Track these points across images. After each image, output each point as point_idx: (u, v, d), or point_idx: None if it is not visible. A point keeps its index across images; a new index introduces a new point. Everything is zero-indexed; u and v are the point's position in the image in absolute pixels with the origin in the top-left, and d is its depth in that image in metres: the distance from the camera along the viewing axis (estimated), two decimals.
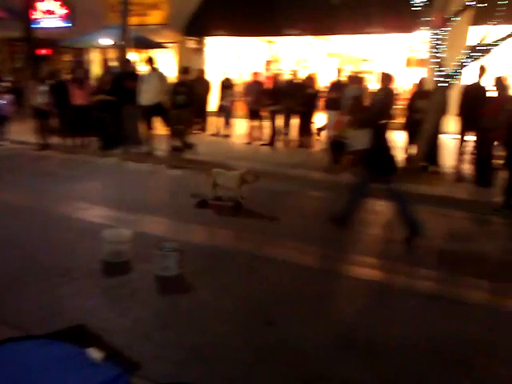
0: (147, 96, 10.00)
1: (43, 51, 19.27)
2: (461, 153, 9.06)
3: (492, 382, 3.29)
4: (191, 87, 10.58)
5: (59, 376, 1.77)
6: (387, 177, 5.89)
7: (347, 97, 9.81)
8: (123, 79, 10.66)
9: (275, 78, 12.81)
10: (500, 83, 8.58)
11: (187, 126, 10.44)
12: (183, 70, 10.81)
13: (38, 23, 19.24)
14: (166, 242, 4.77)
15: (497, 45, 8.34)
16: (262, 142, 12.23)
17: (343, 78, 11.56)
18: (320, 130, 12.36)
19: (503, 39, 8.30)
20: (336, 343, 3.63)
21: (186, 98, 10.11)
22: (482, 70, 8.60)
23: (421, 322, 4.00)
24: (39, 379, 1.74)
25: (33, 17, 18.03)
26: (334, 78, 12.05)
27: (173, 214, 6.72)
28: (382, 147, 5.92)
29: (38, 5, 19.53)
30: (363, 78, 11.05)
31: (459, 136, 9.08)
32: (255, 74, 12.61)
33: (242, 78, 17.21)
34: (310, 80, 12.24)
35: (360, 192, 6.17)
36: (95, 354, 1.91)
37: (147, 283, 4.48)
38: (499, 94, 8.38)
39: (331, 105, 11.04)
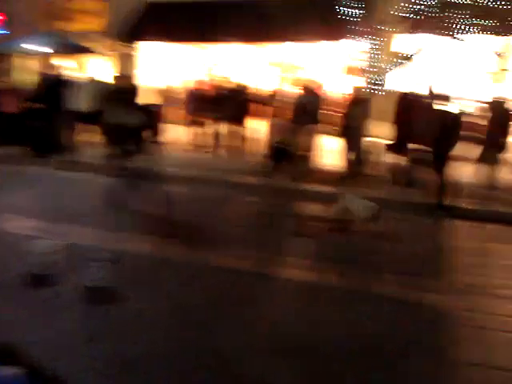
0: (82, 103, 9.75)
1: None
2: (394, 157, 9.37)
3: (414, 375, 3.39)
4: (127, 94, 10.36)
5: None
6: None
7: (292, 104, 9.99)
8: (57, 86, 10.34)
9: (215, 85, 12.77)
10: (430, 91, 8.97)
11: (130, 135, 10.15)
12: (117, 77, 10.57)
13: None
14: (96, 251, 4.67)
15: (419, 53, 8.73)
16: (203, 150, 12.18)
17: (282, 85, 11.72)
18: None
19: (431, 47, 8.69)
20: (265, 346, 3.65)
21: (126, 107, 9.86)
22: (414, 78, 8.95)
23: (348, 321, 4.08)
24: None
25: None
26: (273, 85, 12.20)
27: (104, 223, 6.54)
28: None
29: None
30: (309, 86, 11.26)
31: (394, 141, 9.39)
32: (196, 81, 12.56)
33: (180, 85, 17.13)
34: (250, 87, 12.34)
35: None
36: (7, 370, 1.82)
37: (77, 295, 4.35)
38: (429, 101, 8.76)
39: (273, 112, 11.15)
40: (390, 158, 9.39)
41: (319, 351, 3.60)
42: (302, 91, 10.75)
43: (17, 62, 18.70)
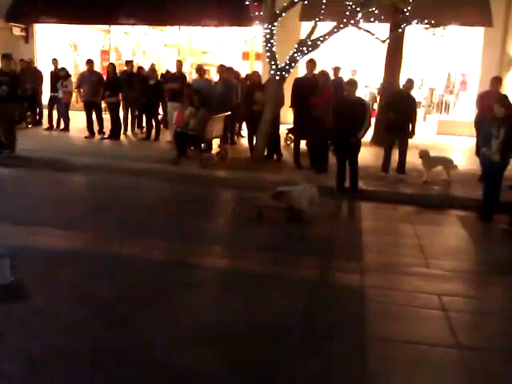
0: None
1: None
2: (294, 142, 9.63)
3: (337, 353, 3.54)
4: (15, 77, 9.64)
5: None
6: None
7: (191, 88, 9.89)
8: None
9: (112, 68, 12.26)
10: (326, 75, 9.30)
11: (13, 121, 9.47)
12: (4, 58, 9.76)
13: None
14: None
15: (325, 40, 9.00)
16: (103, 136, 11.71)
17: (183, 69, 11.56)
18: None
19: (329, 34, 8.98)
20: (188, 336, 3.61)
21: (9, 90, 9.17)
22: (312, 63, 9.19)
23: (269, 306, 4.13)
24: None
25: None
26: (173, 69, 12.00)
27: (4, 216, 6.11)
28: None
29: None
30: (206, 70, 11.21)
31: (294, 125, 9.65)
32: (90, 63, 11.96)
33: (77, 68, 16.32)
34: (152, 71, 12.03)
35: None
36: None
37: None
38: (328, 85, 9.08)
39: (173, 96, 10.99)
40: (296, 143, 9.55)
41: (243, 337, 3.64)
42: (197, 75, 10.74)
43: None
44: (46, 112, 13.07)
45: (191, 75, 14.28)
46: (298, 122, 9.32)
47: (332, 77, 10.49)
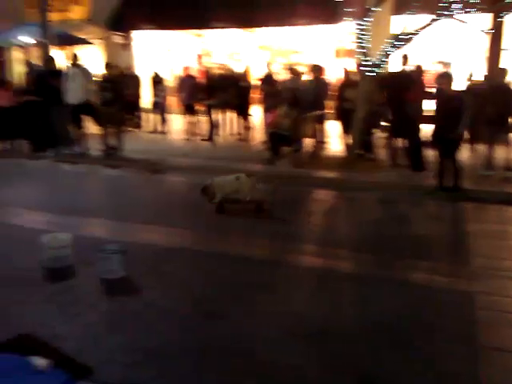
0: (74, 94, 9.67)
1: None
2: (391, 140, 9.41)
3: (440, 358, 3.49)
4: (117, 83, 10.30)
5: None
6: None
7: (284, 89, 10.01)
8: (47, 78, 10.23)
9: (207, 71, 12.75)
10: (421, 71, 9.02)
11: (116, 124, 10.14)
12: (106, 66, 10.49)
13: None
14: (107, 243, 4.68)
15: (418, 33, 8.73)
16: (200, 138, 12.17)
17: (275, 70, 11.71)
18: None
19: (423, 28, 8.70)
20: (284, 332, 3.71)
21: (112, 95, 9.83)
22: (405, 58, 8.95)
23: (365, 305, 4.16)
24: None
25: None
26: (265, 70, 12.19)
27: (112, 214, 6.59)
28: None
29: None
30: (298, 70, 11.26)
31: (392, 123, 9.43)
32: (187, 68, 12.50)
33: (173, 72, 17.01)
34: (244, 73, 12.32)
35: None
36: (40, 361, 1.87)
37: (92, 287, 4.40)
38: (421, 81, 8.80)
39: (265, 97, 11.17)
40: (395, 141, 9.32)
41: (340, 334, 3.68)
42: (291, 75, 10.79)
43: (10, 54, 18.50)
44: (146, 116, 13.81)
45: (282, 75, 14.40)
46: (393, 119, 9.10)
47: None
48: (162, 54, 17.74)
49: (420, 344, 3.57)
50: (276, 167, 8.95)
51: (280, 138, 9.17)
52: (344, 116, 9.68)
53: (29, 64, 13.61)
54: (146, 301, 4.18)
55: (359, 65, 9.42)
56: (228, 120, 12.66)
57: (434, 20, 8.64)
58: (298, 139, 9.29)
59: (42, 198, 7.52)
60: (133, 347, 3.50)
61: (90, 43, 16.51)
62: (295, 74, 11.05)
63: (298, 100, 9.41)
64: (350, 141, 9.41)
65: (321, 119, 10.61)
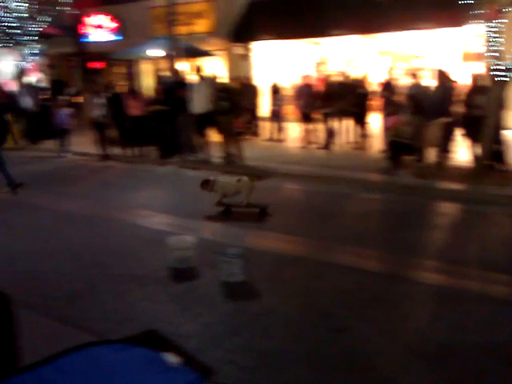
0: (198, 104, 10.15)
1: (96, 64, 19.92)
2: None
3: None
4: (233, 93, 10.62)
5: (136, 380, 1.79)
6: None
7: (406, 95, 9.67)
8: (175, 89, 10.86)
9: (325, 79, 12.71)
10: None
11: (234, 132, 10.43)
12: (223, 76, 10.88)
13: (89, 38, 19.88)
14: (228, 247, 4.81)
15: None
16: (316, 146, 12.15)
17: (396, 76, 11.35)
18: None
19: None
20: (405, 350, 3.54)
21: (228, 104, 10.13)
22: None
23: (492, 328, 3.84)
24: (117, 383, 1.77)
25: (83, 32, 18.67)
26: (385, 76, 11.87)
27: (232, 219, 6.77)
28: None
29: (88, 20, 20.16)
30: (421, 75, 10.82)
31: None
32: (305, 76, 12.56)
33: (290, 81, 17.19)
34: (362, 80, 12.10)
35: None
36: (172, 358, 1.92)
37: (214, 289, 4.54)
38: None
39: (385, 104, 10.87)
40: None
41: (462, 356, 3.44)
42: (414, 81, 10.36)
43: (139, 67, 19.99)
44: (264, 124, 14.10)
45: (404, 81, 13.94)
46: None
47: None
48: (280, 63, 18.01)
49: None
50: (396, 177, 8.63)
51: (401, 147, 8.84)
52: (472, 124, 9.06)
53: (159, 76, 14.54)
54: (266, 306, 4.22)
55: (490, 69, 8.80)
56: (345, 128, 12.50)
57: None
58: (420, 148, 8.88)
59: (166, 202, 7.97)
60: (251, 351, 3.55)
61: (213, 55, 17.25)
62: (418, 79, 10.63)
63: (420, 107, 9.01)
64: (479, 150, 8.79)
65: (446, 127, 10.07)
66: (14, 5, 16.12)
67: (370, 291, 4.52)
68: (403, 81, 11.58)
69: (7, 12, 16.31)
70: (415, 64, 15.96)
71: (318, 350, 3.56)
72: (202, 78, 10.46)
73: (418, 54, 16.78)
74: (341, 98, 11.82)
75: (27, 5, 16.32)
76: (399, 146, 8.85)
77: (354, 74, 13.36)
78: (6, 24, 16.41)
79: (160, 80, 13.94)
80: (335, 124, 12.22)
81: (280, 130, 13.50)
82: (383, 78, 12.09)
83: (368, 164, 9.87)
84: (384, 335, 3.75)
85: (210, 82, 10.47)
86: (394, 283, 4.69)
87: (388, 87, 11.15)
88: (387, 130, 9.60)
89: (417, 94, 9.56)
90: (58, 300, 4.39)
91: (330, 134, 12.00)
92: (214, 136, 10.84)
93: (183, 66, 14.76)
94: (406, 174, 8.71)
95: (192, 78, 11.04)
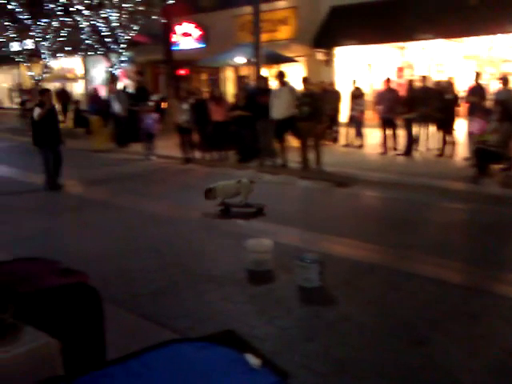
0: (278, 110, 10.26)
1: (182, 71, 20.67)
2: None
3: None
4: (315, 98, 10.60)
5: (220, 379, 1.86)
6: None
7: (495, 101, 9.26)
8: (257, 95, 11.04)
9: (408, 84, 12.39)
10: None
11: (314, 138, 10.40)
12: (304, 81, 10.88)
13: (177, 45, 20.63)
14: (305, 252, 4.85)
15: None
16: (397, 152, 11.88)
17: (483, 81, 10.86)
18: None
19: None
20: (490, 368, 3.41)
21: (310, 109, 10.12)
22: None
23: None
24: (202, 381, 1.84)
25: (172, 40, 19.42)
26: (472, 81, 11.40)
27: (308, 224, 6.80)
28: None
29: (177, 28, 20.94)
30: (510, 81, 10.30)
31: None
32: (387, 81, 12.32)
33: (372, 86, 16.92)
34: (448, 85, 11.69)
35: None
36: (253, 359, 1.97)
37: (290, 293, 4.60)
38: None
39: (472, 110, 10.44)
40: None
41: None
42: (503, 86, 9.86)
43: (223, 73, 20.53)
44: (344, 130, 13.98)
45: (492, 86, 13.32)
46: None
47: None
48: (363, 68, 17.78)
49: None
50: (481, 186, 8.26)
51: (488, 155, 8.46)
52: None
53: (242, 82, 14.83)
54: (342, 313, 4.22)
55: None
56: (427, 134, 12.12)
57: None
58: (508, 156, 8.45)
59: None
60: (326, 357, 3.55)
61: (295, 61, 17.35)
62: (507, 84, 10.12)
63: (509, 113, 8.58)
64: None
65: None
66: (107, 14, 17.15)
67: (451, 304, 4.37)
68: (491, 86, 11.08)
69: (102, 22, 17.39)
70: (504, 68, 15.18)
71: (395, 361, 3.50)
72: (283, 84, 10.57)
73: (507, 58, 15.93)
74: (424, 104, 11.49)
75: (118, 14, 17.30)
76: (486, 154, 8.47)
77: (439, 78, 12.93)
78: (101, 33, 17.50)
79: (243, 87, 14.21)
80: (417, 130, 11.90)
81: (358, 135, 13.33)
82: (470, 83, 11.61)
83: (451, 172, 9.52)
84: (465, 350, 3.62)
85: (291, 88, 10.55)
86: (477, 297, 4.51)
87: (475, 92, 10.70)
88: (472, 134, 9.22)
89: (505, 100, 9.12)
90: (143, 297, 4.63)
91: (413, 140, 11.68)
92: (292, 141, 10.92)
93: (266, 73, 14.97)
94: (491, 183, 8.32)
95: (274, 84, 11.19)
